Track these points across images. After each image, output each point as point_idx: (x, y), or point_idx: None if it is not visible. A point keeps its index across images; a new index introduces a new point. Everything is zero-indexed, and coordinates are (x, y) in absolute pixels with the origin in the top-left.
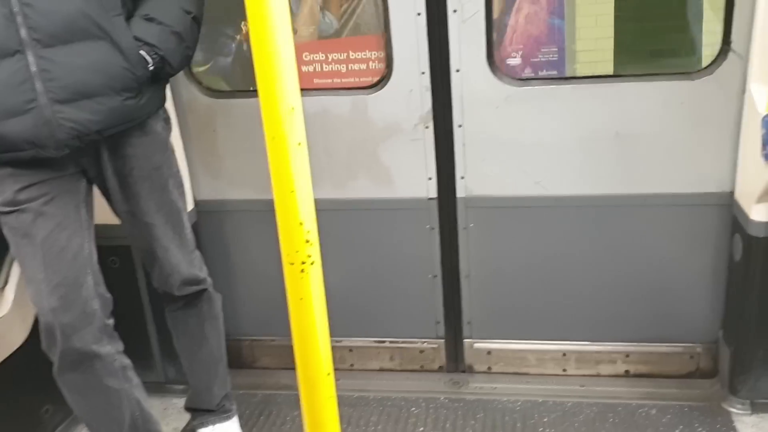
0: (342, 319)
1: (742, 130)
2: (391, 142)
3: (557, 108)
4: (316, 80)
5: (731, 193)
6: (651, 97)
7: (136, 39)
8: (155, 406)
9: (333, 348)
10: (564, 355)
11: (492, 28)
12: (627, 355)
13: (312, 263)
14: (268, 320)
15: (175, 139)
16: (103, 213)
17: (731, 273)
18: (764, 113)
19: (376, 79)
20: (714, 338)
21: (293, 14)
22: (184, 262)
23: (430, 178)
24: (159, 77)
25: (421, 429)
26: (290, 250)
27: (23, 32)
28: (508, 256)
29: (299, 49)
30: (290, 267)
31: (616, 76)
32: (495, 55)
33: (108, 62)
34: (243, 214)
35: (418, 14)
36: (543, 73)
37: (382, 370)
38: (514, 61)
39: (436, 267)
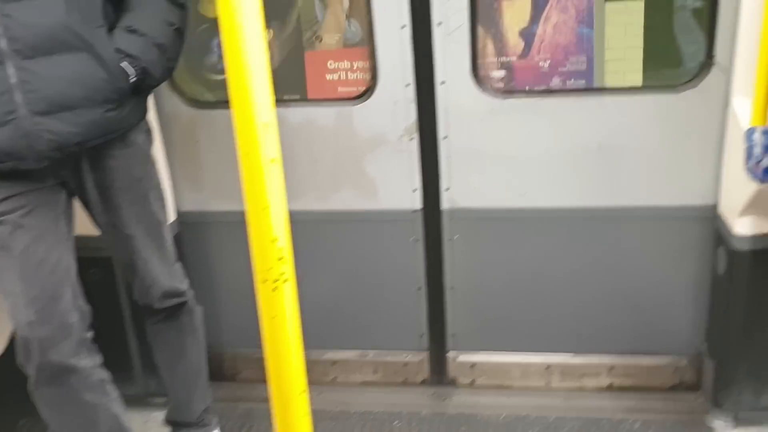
0: (325, 331)
1: (726, 143)
2: (376, 153)
3: (541, 120)
4: (340, 89)
5: (715, 207)
6: (634, 110)
7: (118, 51)
8: (135, 419)
9: (315, 361)
10: (548, 368)
11: (476, 41)
12: (611, 368)
13: (285, 281)
14: (250, 333)
15: (158, 150)
16: (84, 224)
17: (715, 286)
18: (747, 127)
19: None
20: (698, 351)
21: (317, 22)
22: (164, 274)
23: (414, 190)
24: (141, 89)
25: None
26: (263, 267)
27: (3, 43)
28: (493, 268)
29: (324, 57)
30: (263, 284)
31: (599, 89)
32: (479, 68)
33: (89, 74)
34: (225, 225)
35: (403, 27)
36: (571, 83)
37: (365, 383)
38: (542, 69)
39: (420, 279)
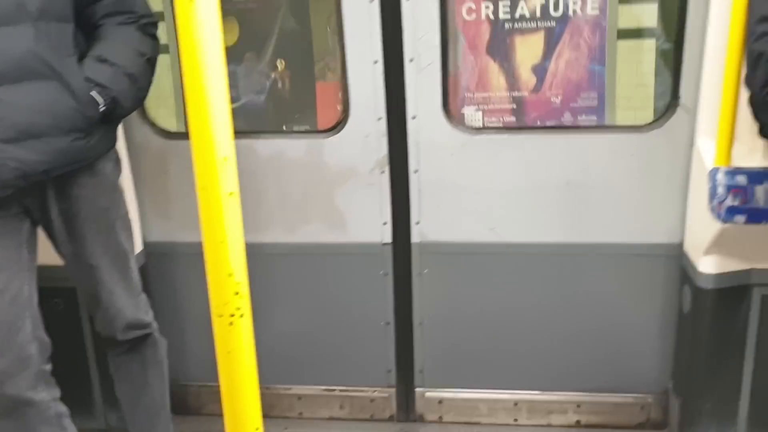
0: (291, 365)
1: (691, 182)
2: (346, 186)
3: (511, 156)
4: None
5: (681, 245)
6: (602, 148)
7: (88, 80)
8: None
9: (281, 395)
10: (516, 404)
11: (447, 77)
12: (578, 405)
13: (241, 315)
14: (216, 366)
15: (126, 179)
16: (48, 254)
17: (681, 324)
18: (711, 167)
19: None
20: (664, 389)
21: (330, 53)
22: (129, 305)
23: (384, 223)
24: (110, 118)
25: None
26: (219, 302)
27: None
28: (462, 303)
29: (336, 88)
30: (219, 319)
31: (568, 127)
32: (450, 104)
33: (57, 102)
34: (192, 257)
35: (375, 62)
36: (582, 119)
37: (331, 418)
38: (555, 105)
39: (389, 314)
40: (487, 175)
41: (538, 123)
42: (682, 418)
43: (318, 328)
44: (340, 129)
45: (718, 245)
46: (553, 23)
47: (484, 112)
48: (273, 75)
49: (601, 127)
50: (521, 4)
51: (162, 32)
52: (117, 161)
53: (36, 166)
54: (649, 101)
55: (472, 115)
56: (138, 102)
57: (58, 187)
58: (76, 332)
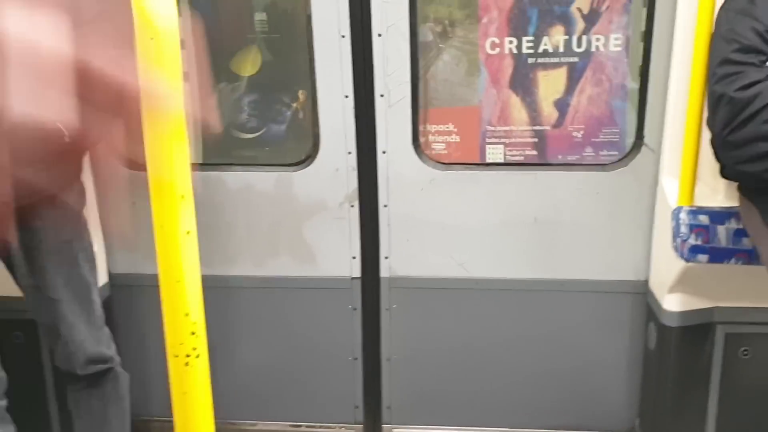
0: (257, 400)
1: (655, 221)
2: (316, 220)
3: (479, 192)
4: None
5: (647, 282)
6: (568, 186)
7: None
8: None
9: (247, 431)
10: None
11: (418, 112)
12: None
13: (197, 356)
14: None
15: (92, 210)
16: (8, 285)
17: (646, 361)
18: (674, 206)
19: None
20: (631, 426)
21: None
22: (90, 339)
23: (353, 258)
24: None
25: None
26: (174, 341)
27: None
28: (430, 339)
29: None
30: (174, 359)
31: (535, 164)
32: (420, 139)
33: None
34: (157, 289)
35: (346, 97)
36: (604, 154)
37: None
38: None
39: (356, 349)
40: (456, 210)
41: (560, 158)
42: None
43: (285, 363)
44: (310, 162)
45: (682, 283)
46: (576, 59)
47: (505, 146)
48: (294, 105)
49: (567, 165)
50: (545, 39)
51: None
52: (81, 192)
53: None
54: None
55: (494, 148)
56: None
57: (19, 219)
58: (36, 366)
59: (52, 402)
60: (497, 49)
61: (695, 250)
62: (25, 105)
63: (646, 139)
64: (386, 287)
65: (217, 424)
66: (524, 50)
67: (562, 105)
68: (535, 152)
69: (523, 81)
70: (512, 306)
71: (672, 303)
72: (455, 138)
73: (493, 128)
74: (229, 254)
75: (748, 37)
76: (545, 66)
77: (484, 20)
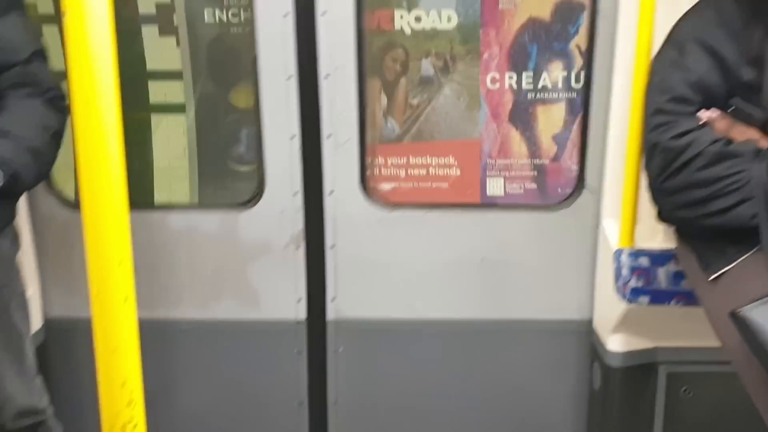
0: None
1: (598, 262)
2: (260, 262)
3: (427, 233)
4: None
5: (590, 322)
6: (515, 226)
7: None
8: None
9: None
10: None
11: (365, 153)
12: None
13: (134, 426)
14: None
15: (28, 252)
16: None
17: (591, 401)
18: (616, 248)
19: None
20: None
21: None
22: (21, 390)
23: (299, 300)
24: (10, 194)
25: None
26: (110, 413)
27: None
28: (377, 382)
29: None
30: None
31: (481, 204)
32: (367, 179)
33: None
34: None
35: (293, 137)
36: None
37: None
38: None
39: (302, 393)
40: (404, 251)
41: (559, 191)
42: None
43: (229, 408)
44: (255, 203)
45: (625, 324)
46: (575, 94)
47: (505, 179)
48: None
49: (512, 206)
50: (544, 75)
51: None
52: (15, 237)
53: None
54: None
55: (495, 182)
56: (41, 177)
57: None
58: None
59: None
60: (497, 84)
61: (637, 292)
62: None
63: (587, 182)
64: (333, 330)
65: None
66: (524, 86)
67: (560, 139)
68: (534, 185)
69: (522, 115)
70: (460, 347)
71: (615, 343)
72: (456, 171)
73: (492, 161)
74: (171, 297)
75: (679, 87)
76: (544, 101)
77: (485, 56)
